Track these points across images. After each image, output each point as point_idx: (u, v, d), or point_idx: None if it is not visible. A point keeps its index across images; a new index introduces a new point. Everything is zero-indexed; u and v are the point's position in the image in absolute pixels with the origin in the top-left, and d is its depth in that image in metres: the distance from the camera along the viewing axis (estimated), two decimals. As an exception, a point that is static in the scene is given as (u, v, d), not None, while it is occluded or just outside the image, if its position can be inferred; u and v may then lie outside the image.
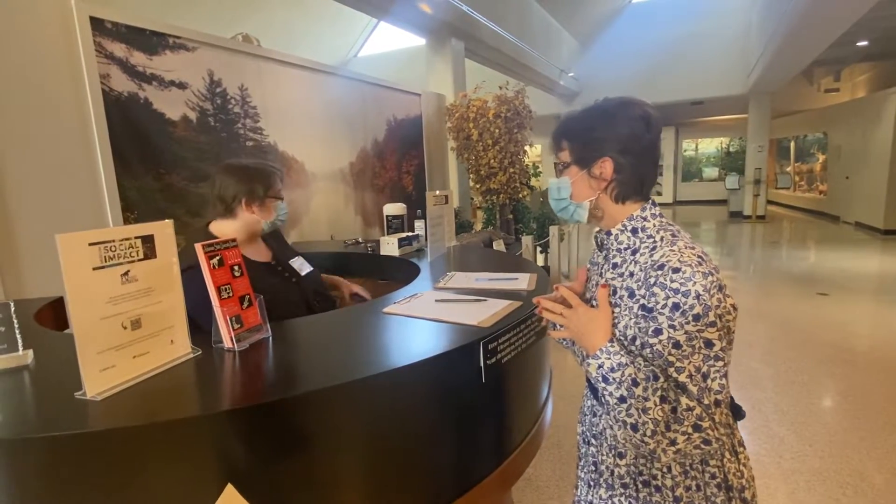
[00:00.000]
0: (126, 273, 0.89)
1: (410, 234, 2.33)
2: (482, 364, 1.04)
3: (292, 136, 3.77)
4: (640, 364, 0.80)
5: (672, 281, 0.77)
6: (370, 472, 0.97)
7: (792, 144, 14.35)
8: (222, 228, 1.48)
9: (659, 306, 0.78)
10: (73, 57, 2.43)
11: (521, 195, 5.40)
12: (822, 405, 2.91)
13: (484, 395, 1.10)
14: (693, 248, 0.81)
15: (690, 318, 0.76)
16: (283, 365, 1.03)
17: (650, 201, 0.90)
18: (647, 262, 0.83)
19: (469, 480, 1.08)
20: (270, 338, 1.12)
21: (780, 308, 4.80)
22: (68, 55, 2.40)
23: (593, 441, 1.01)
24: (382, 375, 0.93)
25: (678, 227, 0.88)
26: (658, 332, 0.78)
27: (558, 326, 0.95)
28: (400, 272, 2.06)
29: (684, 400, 0.76)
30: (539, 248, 5.55)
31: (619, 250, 0.90)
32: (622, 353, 0.80)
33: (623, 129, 0.85)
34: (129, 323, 0.90)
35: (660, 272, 0.79)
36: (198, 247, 1.01)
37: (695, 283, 0.76)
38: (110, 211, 2.61)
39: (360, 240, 2.67)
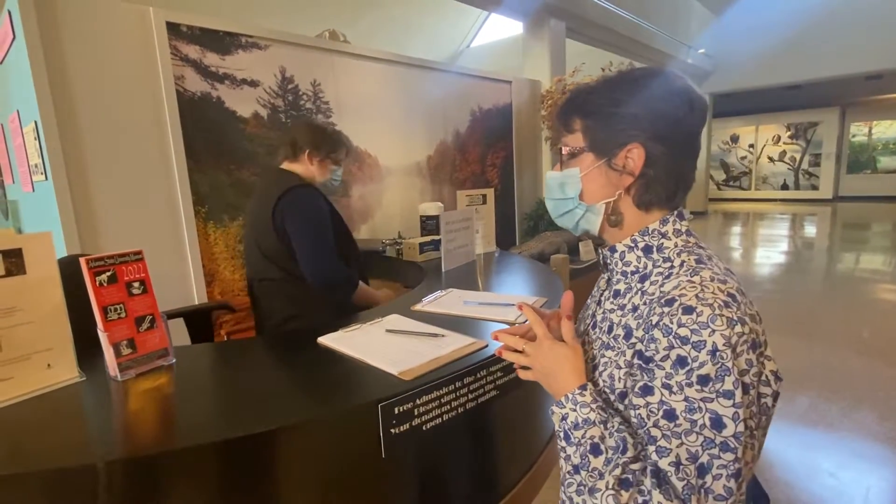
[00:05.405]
0: (-23, 292, 0.80)
1: (437, 237, 2.08)
2: (381, 433, 0.77)
3: (365, 131, 3.73)
4: (614, 426, 0.59)
5: (681, 325, 0.55)
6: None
7: None
8: (293, 167, 1.69)
9: (658, 357, 0.56)
10: (151, 60, 2.58)
11: (620, 190, 4.81)
12: None
13: (389, 474, 0.83)
14: (724, 282, 0.58)
15: (694, 380, 0.53)
16: (158, 406, 0.87)
17: (677, 212, 0.66)
18: (655, 294, 0.61)
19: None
20: (174, 365, 0.98)
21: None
22: (146, 59, 2.56)
23: None
24: (246, 439, 0.72)
25: (710, 251, 0.65)
26: (647, 390, 0.57)
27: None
28: (416, 280, 1.84)
29: (657, 496, 0.52)
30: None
31: (624, 273, 0.68)
32: (594, 406, 0.60)
33: (660, 106, 0.63)
34: (-18, 347, 0.81)
35: (666, 309, 0.56)
36: (82, 261, 0.89)
37: (713, 331, 0.53)
38: (182, 205, 2.76)
39: (398, 239, 2.49)
